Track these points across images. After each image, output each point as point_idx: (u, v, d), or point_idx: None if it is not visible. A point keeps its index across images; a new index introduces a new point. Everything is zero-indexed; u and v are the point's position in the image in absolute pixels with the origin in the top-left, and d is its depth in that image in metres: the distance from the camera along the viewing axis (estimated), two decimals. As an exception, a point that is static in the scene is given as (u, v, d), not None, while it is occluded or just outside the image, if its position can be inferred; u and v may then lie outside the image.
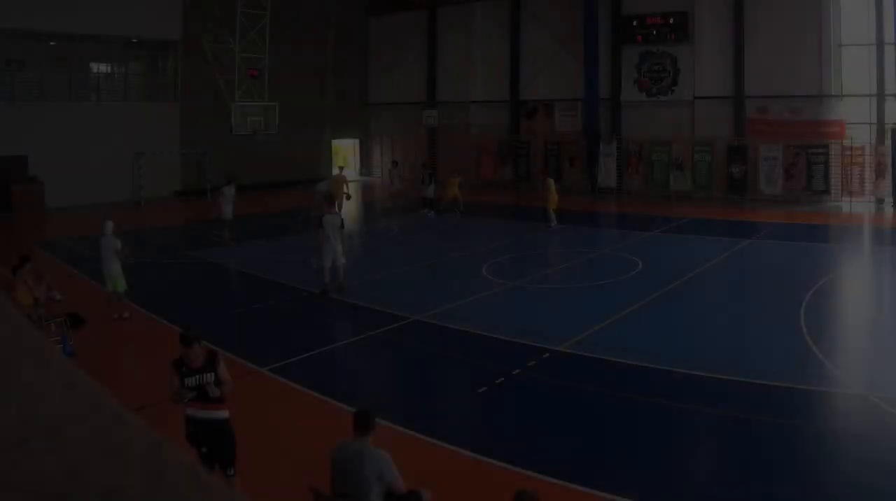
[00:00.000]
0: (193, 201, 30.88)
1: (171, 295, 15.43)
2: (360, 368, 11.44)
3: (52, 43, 29.57)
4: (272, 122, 28.97)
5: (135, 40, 31.70)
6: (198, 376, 6.74)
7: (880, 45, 26.10)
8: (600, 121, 31.98)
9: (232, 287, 16.93)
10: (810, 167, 27.37)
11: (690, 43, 30.14)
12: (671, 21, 30.25)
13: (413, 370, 11.05)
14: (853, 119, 27.03)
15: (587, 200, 29.91)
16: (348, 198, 24.37)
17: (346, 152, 42.26)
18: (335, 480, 5.87)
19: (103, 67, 31.75)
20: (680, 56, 30.57)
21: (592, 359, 10.81)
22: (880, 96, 26.32)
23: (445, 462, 7.77)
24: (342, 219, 15.24)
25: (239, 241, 20.66)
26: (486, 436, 8.50)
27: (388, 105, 40.52)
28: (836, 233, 22.66)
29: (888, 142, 25.83)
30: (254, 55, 28.03)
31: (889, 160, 25.71)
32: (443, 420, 9.18)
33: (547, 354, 10.98)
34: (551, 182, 23.35)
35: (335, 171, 27.24)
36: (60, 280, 15.35)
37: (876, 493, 6.85)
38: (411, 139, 38.74)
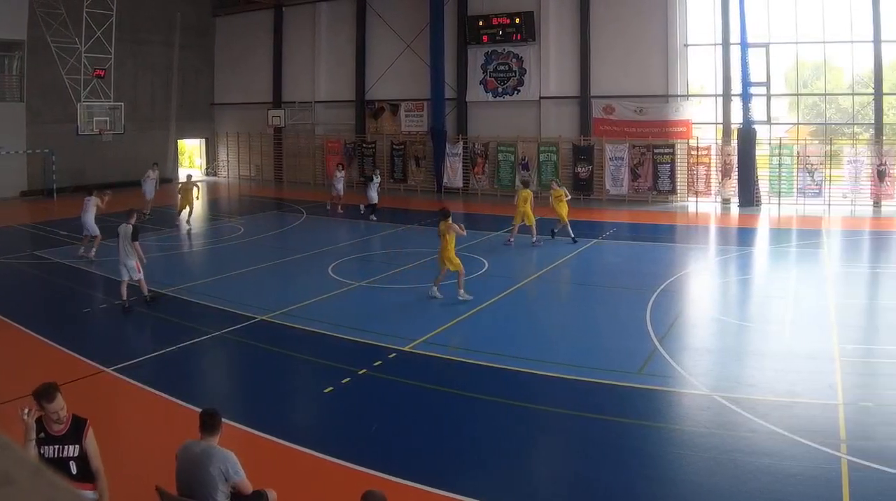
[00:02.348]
0: (39, 201, 28.78)
1: (17, 296, 14.37)
2: (206, 368, 10.76)
3: None
4: (118, 122, 28.28)
5: (-21, 40, 28.37)
6: (58, 447, 5.16)
7: (726, 45, 24.40)
8: (446, 121, 29.16)
9: (78, 287, 15.25)
10: (656, 167, 25.29)
11: (536, 43, 27.74)
12: (517, 21, 27.72)
13: (259, 370, 10.23)
14: (699, 119, 25.56)
15: (433, 200, 27.00)
16: (198, 198, 23.07)
17: (191, 151, 40.03)
18: (181, 480, 5.44)
19: (-53, 67, 27.77)
20: (526, 56, 28.06)
21: (438, 359, 10.25)
22: (726, 96, 24.59)
23: (292, 462, 7.30)
24: (135, 229, 13.20)
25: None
26: (333, 436, 8.02)
27: (234, 105, 36.50)
28: (682, 233, 21.52)
29: (734, 142, 24.17)
30: (100, 55, 26.82)
31: (735, 160, 24.03)
32: (289, 420, 8.50)
33: (393, 354, 10.35)
34: (562, 192, 18.55)
35: (183, 178, 24.56)
36: None
37: (724, 490, 6.48)
38: (257, 139, 35.41)
